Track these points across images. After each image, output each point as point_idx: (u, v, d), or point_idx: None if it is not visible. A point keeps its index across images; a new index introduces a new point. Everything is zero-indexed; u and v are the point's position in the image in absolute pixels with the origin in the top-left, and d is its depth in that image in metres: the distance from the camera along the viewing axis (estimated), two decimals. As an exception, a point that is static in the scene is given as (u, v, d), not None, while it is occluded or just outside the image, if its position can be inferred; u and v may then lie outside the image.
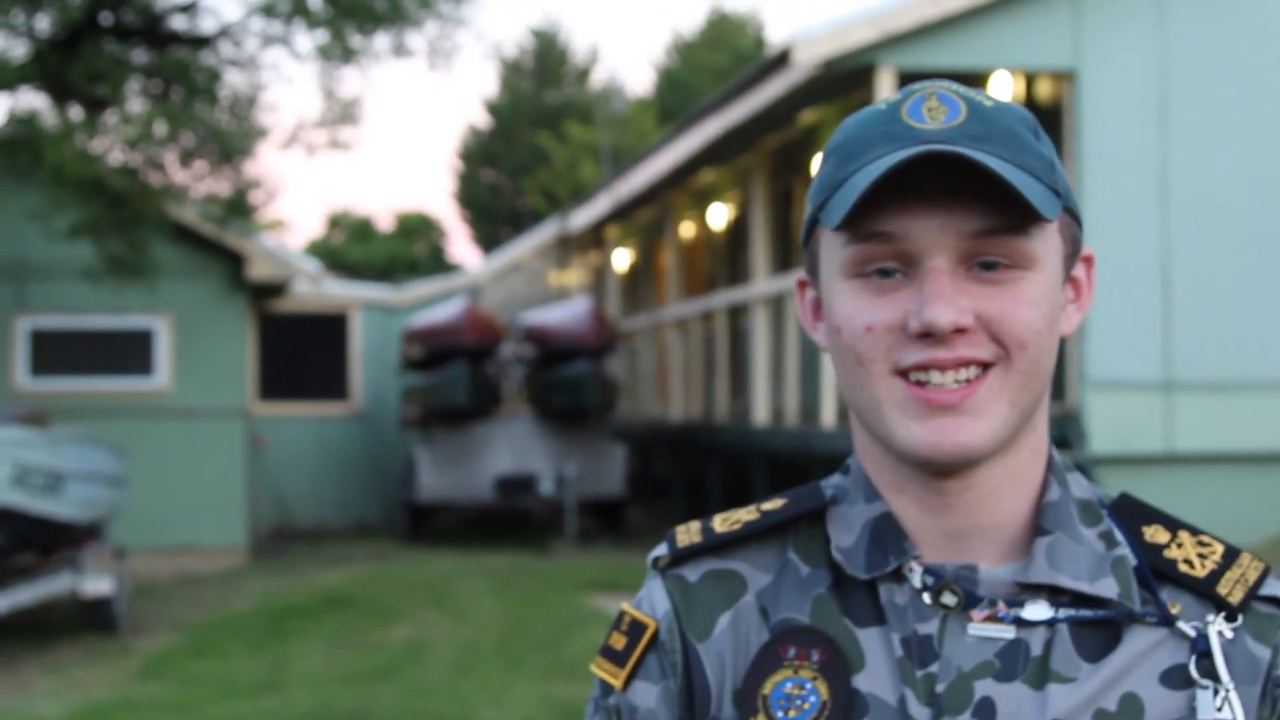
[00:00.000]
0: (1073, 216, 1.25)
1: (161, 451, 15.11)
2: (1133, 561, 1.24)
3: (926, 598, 1.21)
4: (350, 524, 18.82)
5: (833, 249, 1.22)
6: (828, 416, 11.67)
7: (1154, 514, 1.28)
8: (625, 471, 16.05)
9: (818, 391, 12.14)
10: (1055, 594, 1.21)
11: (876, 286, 1.19)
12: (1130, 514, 1.28)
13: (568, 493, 15.55)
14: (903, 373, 1.18)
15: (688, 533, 1.30)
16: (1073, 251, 1.25)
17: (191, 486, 15.18)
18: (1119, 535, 1.25)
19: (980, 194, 1.17)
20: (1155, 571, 1.24)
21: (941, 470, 1.20)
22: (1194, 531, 1.27)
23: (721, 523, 1.30)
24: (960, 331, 1.17)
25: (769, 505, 1.30)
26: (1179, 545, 1.26)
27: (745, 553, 1.28)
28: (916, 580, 1.22)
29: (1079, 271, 1.28)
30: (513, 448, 15.95)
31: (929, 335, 1.16)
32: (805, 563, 1.27)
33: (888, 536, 1.23)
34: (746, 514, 1.30)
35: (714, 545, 1.28)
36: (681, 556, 1.29)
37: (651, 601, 1.29)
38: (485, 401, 15.90)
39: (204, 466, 15.21)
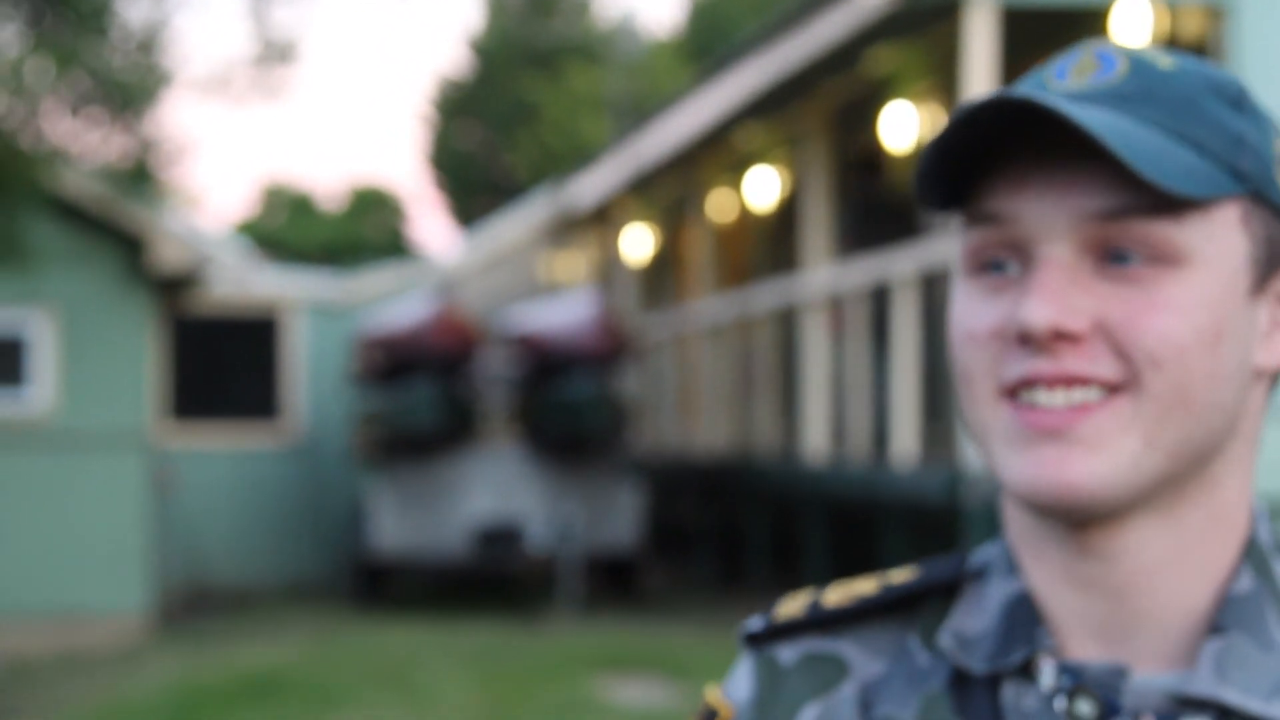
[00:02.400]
0: (1278, 213, 1.25)
1: (39, 491, 15.11)
2: None
3: (1058, 703, 1.22)
4: (284, 585, 18.84)
5: (959, 240, 1.28)
6: (905, 448, 11.61)
7: None
8: (640, 519, 16.04)
9: (890, 416, 12.12)
10: (1225, 715, 1.21)
11: (990, 284, 1.22)
12: None
13: (566, 547, 15.54)
14: (1011, 392, 1.21)
15: (793, 604, 1.36)
16: (1269, 256, 1.24)
17: (78, 537, 15.18)
18: None
19: (1111, 167, 1.19)
20: None
21: (1065, 520, 1.21)
22: None
23: (835, 594, 1.35)
24: (1069, 339, 1.18)
25: (897, 576, 1.34)
26: None
27: (858, 633, 1.33)
28: (1048, 679, 1.23)
29: None
30: (495, 488, 15.96)
31: (1030, 341, 1.19)
32: (926, 649, 1.30)
33: (1020, 620, 1.25)
34: (866, 585, 1.34)
35: (818, 621, 1.33)
36: (778, 631, 1.34)
37: (735, 684, 1.36)
38: (460, 428, 15.90)
39: (94, 511, 15.22)
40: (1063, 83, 1.23)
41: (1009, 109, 1.18)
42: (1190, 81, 1.23)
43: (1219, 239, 1.20)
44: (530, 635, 14.18)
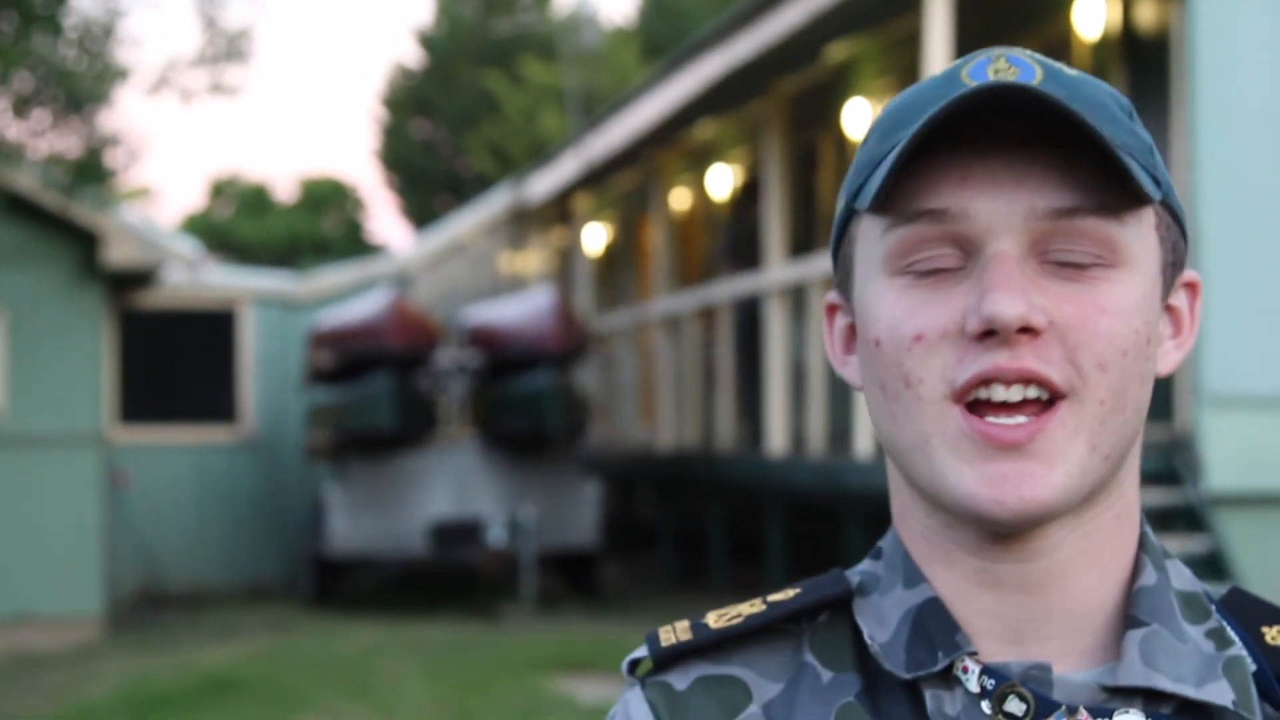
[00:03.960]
0: (1177, 222, 1.28)
1: (-9, 492, 15.06)
2: (1251, 666, 1.27)
3: (986, 706, 1.21)
4: (240, 585, 18.81)
5: (870, 241, 1.25)
6: (863, 443, 11.66)
7: (1276, 611, 1.31)
8: (599, 515, 16.06)
9: (850, 411, 12.17)
10: (1152, 701, 1.23)
11: (930, 283, 1.21)
12: (1245, 611, 1.31)
13: (524, 543, 15.55)
14: (960, 397, 1.20)
15: (673, 631, 1.30)
16: (1172, 263, 1.28)
17: (29, 538, 15.13)
18: (1232, 634, 1.28)
19: (1057, 165, 1.19)
20: None
21: (999, 531, 1.22)
22: None
23: (716, 618, 1.31)
24: (1031, 334, 1.18)
25: (778, 596, 1.31)
26: None
27: (747, 655, 1.29)
28: (973, 683, 1.22)
29: (1179, 300, 1.31)
30: (452, 485, 15.95)
31: (990, 335, 1.18)
32: (826, 666, 1.28)
33: (934, 627, 1.24)
34: (750, 607, 1.31)
35: (707, 644, 1.28)
36: (666, 659, 1.29)
37: (627, 717, 1.29)
38: (416, 424, 15.89)
39: (46, 511, 15.17)
40: (985, 84, 1.21)
41: (987, 99, 1.17)
42: (1098, 90, 1.24)
43: (1146, 243, 1.23)
44: (489, 633, 14.19)
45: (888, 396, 1.22)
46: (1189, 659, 1.24)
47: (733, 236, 15.58)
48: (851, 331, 1.30)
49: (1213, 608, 1.29)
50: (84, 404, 15.32)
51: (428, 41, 37.83)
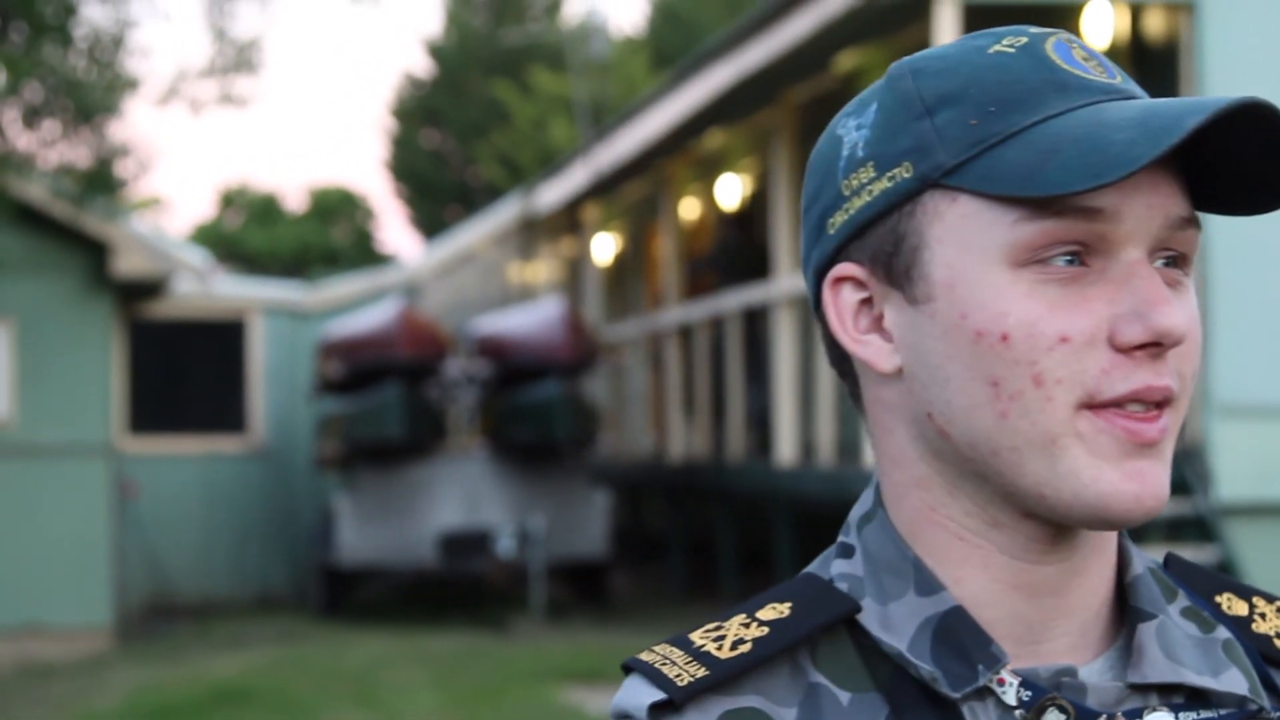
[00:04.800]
0: None
1: (0, 503, 15.06)
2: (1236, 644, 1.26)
3: (1019, 715, 1.18)
4: (249, 596, 18.82)
5: (981, 226, 1.18)
6: (872, 453, 11.66)
7: (1217, 578, 1.31)
8: (608, 525, 16.06)
9: (859, 421, 12.15)
10: (1165, 692, 1.21)
11: (1061, 281, 1.16)
12: (1192, 580, 1.30)
13: (533, 553, 15.55)
14: (1097, 406, 1.16)
15: (671, 662, 1.21)
16: None
17: (39, 548, 15.15)
18: (1207, 612, 1.27)
19: (1175, 173, 1.18)
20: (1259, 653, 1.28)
21: (1119, 528, 1.19)
22: (1269, 597, 1.31)
23: (714, 644, 1.22)
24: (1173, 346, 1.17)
25: (769, 614, 1.23)
26: (1262, 616, 1.29)
27: (755, 681, 1.20)
28: (1010, 695, 1.18)
29: None
30: (462, 495, 15.96)
31: (1146, 348, 1.15)
32: (840, 686, 1.21)
33: (966, 639, 1.19)
34: (744, 628, 1.22)
35: (727, 678, 1.19)
36: (687, 696, 1.18)
37: None
38: (426, 434, 15.91)
39: (56, 521, 15.19)
40: (1088, 74, 1.19)
41: (1250, 114, 1.13)
42: None
43: None
44: (498, 644, 14.20)
45: (1001, 393, 1.16)
46: (1191, 646, 1.23)
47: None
48: (862, 306, 1.24)
49: (1174, 583, 1.27)
50: (93, 414, 15.34)
51: (437, 51, 37.89)
